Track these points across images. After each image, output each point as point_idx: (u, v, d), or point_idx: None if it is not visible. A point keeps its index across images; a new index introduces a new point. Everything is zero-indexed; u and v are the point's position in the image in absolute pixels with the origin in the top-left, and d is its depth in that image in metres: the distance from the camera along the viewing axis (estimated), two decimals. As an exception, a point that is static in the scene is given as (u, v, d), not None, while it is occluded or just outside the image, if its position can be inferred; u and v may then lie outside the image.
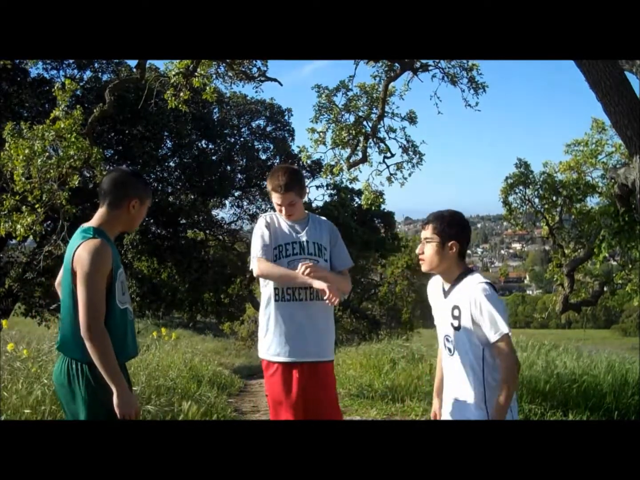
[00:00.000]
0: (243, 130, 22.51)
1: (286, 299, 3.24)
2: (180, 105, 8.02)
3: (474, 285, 2.57)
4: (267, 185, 3.41)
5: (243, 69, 8.87)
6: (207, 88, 8.03)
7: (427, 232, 2.67)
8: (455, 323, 2.61)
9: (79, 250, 2.52)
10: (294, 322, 3.22)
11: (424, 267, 2.71)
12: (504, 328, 2.48)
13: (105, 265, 2.50)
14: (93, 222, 2.65)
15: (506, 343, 2.48)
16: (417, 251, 2.73)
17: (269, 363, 3.28)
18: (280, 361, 3.23)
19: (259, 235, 3.30)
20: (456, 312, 2.61)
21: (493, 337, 2.49)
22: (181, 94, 7.92)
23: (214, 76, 8.43)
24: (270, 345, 3.27)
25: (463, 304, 2.58)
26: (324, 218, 3.52)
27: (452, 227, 2.64)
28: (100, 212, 2.66)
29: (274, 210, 3.45)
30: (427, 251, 2.66)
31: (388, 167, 10.18)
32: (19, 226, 6.80)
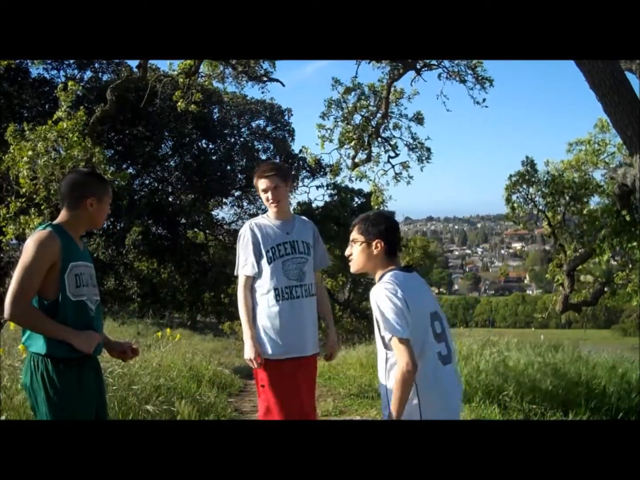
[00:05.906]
0: (243, 130, 22.55)
1: (285, 298, 3.33)
2: (190, 107, 8.03)
3: (377, 284, 2.52)
4: (254, 182, 3.45)
5: (247, 70, 8.88)
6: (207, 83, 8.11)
7: (353, 233, 2.67)
8: (375, 323, 2.56)
9: (27, 240, 2.61)
10: (291, 319, 3.31)
11: (352, 268, 2.70)
12: (392, 329, 2.38)
13: (47, 254, 2.54)
14: (56, 220, 2.75)
15: (396, 345, 2.37)
16: (345, 253, 2.72)
17: (275, 361, 3.30)
18: (286, 358, 3.30)
19: (247, 245, 3.36)
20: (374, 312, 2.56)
21: (386, 337, 2.41)
22: (193, 97, 7.93)
23: (224, 76, 8.45)
24: (275, 344, 3.31)
25: (372, 305, 2.53)
26: (305, 217, 3.64)
27: (376, 226, 2.62)
28: (62, 213, 2.76)
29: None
30: (354, 252, 2.66)
31: (393, 166, 10.24)
32: (27, 230, 6.80)
